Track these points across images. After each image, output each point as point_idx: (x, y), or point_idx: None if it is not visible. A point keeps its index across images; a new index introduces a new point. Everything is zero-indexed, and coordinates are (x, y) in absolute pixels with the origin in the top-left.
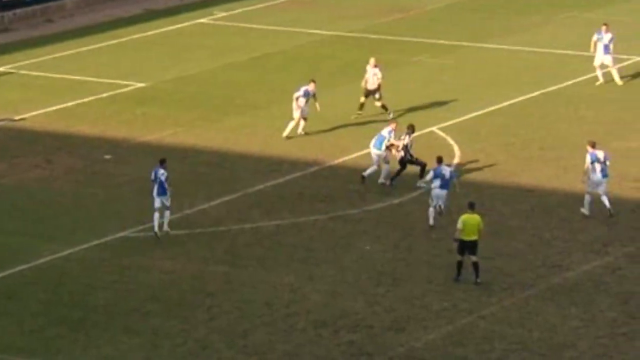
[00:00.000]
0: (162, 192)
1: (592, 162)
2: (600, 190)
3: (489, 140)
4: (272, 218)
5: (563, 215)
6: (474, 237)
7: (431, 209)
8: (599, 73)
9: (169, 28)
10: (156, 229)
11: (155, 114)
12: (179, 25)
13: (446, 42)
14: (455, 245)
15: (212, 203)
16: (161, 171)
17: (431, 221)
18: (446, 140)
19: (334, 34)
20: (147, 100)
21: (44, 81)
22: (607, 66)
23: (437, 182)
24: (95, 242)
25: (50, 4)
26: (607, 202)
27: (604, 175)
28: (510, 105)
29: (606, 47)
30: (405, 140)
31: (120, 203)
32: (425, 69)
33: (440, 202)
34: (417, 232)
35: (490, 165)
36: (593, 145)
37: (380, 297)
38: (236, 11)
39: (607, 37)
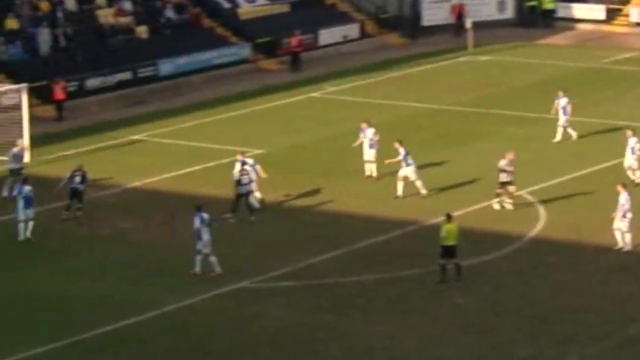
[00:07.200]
0: (28, 206)
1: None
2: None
3: None
4: (373, 272)
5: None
6: (452, 242)
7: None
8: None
9: (284, 101)
10: (22, 236)
11: (271, 178)
12: (293, 99)
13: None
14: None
15: (320, 258)
16: (28, 188)
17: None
18: None
19: (432, 106)
20: (263, 165)
21: (172, 148)
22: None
23: None
24: (215, 292)
25: (180, 79)
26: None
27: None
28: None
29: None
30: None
31: (239, 257)
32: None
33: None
34: (505, 289)
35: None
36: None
37: (469, 345)
38: (344, 86)
39: (563, 101)
